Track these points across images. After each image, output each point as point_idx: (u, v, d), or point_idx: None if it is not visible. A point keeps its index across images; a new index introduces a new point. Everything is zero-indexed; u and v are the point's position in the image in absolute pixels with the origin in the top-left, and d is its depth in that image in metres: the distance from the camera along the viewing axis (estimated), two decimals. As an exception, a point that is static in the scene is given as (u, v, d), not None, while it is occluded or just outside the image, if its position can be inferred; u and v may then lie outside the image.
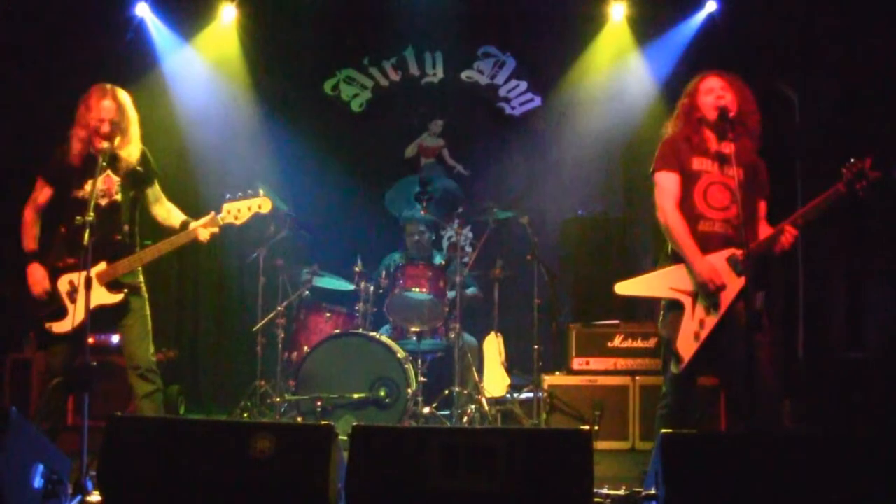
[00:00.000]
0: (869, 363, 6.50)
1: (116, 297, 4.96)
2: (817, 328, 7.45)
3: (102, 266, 4.89)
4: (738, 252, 4.25)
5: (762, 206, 4.62)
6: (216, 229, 5.11)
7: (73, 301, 4.94)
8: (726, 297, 4.32)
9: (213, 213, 5.12)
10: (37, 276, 4.95)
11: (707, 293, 4.31)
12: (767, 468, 3.51)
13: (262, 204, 5.15)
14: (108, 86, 5.08)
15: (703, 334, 4.30)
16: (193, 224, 5.13)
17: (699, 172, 4.49)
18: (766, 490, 3.47)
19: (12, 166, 6.67)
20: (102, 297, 4.89)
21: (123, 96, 5.08)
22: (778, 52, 7.60)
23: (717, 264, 4.33)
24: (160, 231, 5.23)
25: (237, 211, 5.11)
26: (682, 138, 4.57)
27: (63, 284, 4.97)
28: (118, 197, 5.04)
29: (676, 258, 4.46)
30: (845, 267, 7.23)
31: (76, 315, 4.84)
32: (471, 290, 7.40)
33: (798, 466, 3.52)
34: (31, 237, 5.05)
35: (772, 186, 4.69)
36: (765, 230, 4.55)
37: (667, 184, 4.52)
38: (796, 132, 7.65)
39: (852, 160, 4.33)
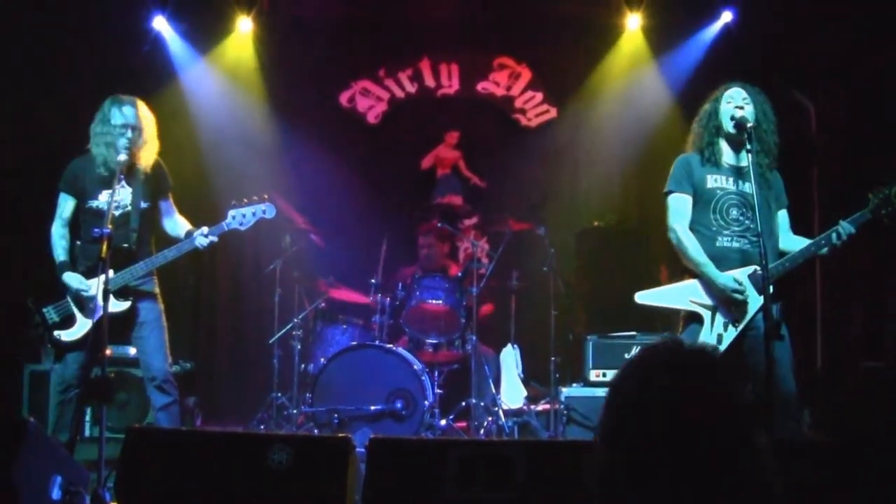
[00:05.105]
0: (888, 371, 6.45)
1: (123, 306, 4.99)
2: (836, 336, 7.41)
3: (109, 274, 4.91)
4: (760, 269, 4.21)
5: (782, 217, 4.61)
6: (215, 238, 5.11)
7: (82, 309, 4.97)
8: (748, 314, 4.30)
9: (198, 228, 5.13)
10: (74, 283, 4.97)
11: (734, 304, 4.30)
12: (784, 477, 3.47)
13: (266, 209, 5.14)
14: (125, 96, 5.12)
15: (720, 349, 4.28)
16: (196, 232, 5.15)
17: (714, 190, 4.49)
18: (784, 499, 3.44)
19: (28, 177, 6.70)
20: (110, 305, 4.91)
21: (141, 105, 5.12)
22: (794, 61, 7.56)
23: (741, 280, 4.32)
24: (170, 243, 5.23)
25: (242, 217, 5.11)
26: (694, 154, 4.58)
27: (73, 292, 5.00)
28: (130, 206, 5.07)
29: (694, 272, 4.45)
30: (864, 274, 7.19)
31: (86, 322, 4.93)
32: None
33: (816, 475, 3.49)
34: (61, 248, 5.09)
35: (788, 195, 4.68)
36: (790, 240, 4.53)
37: (679, 206, 4.54)
38: (813, 141, 7.62)
39: (878, 187, 4.30)
